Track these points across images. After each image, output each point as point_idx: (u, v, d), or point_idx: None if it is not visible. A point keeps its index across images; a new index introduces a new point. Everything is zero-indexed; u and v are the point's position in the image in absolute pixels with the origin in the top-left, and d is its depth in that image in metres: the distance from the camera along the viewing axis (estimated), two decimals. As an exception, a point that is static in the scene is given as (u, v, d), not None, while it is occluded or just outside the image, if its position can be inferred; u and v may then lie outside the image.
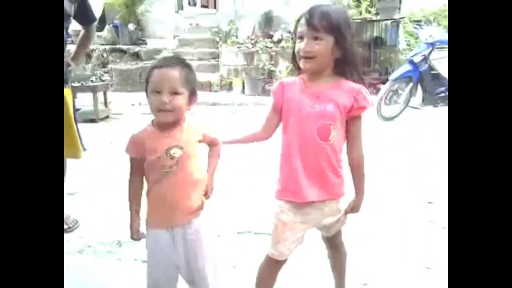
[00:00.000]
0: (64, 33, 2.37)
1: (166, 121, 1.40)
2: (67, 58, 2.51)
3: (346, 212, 1.54)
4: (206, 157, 1.54)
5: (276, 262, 1.51)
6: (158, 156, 1.40)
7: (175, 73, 1.39)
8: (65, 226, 2.50)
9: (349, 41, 1.39)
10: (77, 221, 2.59)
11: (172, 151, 1.40)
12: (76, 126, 2.54)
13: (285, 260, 1.52)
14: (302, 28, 1.39)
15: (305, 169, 1.44)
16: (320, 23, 1.35)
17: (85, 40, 2.69)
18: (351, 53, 1.41)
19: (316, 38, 1.36)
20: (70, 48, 2.71)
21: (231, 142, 1.63)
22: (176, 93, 1.38)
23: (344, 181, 1.51)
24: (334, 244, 1.64)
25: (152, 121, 1.45)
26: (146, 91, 1.43)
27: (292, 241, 1.48)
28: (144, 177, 1.48)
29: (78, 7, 2.42)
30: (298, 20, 1.42)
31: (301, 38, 1.39)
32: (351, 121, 1.46)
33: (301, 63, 1.42)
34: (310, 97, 1.42)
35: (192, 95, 1.44)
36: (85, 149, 2.61)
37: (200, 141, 1.48)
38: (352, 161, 1.50)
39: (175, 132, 1.42)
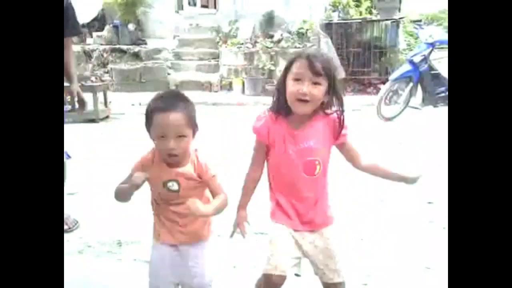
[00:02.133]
0: None
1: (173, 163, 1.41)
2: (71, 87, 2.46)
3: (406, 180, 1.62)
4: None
5: (270, 279, 1.46)
6: (157, 185, 1.44)
7: (179, 116, 1.35)
8: (65, 227, 2.50)
9: (337, 85, 1.45)
10: (77, 221, 2.59)
11: (169, 184, 1.43)
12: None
13: (282, 280, 1.47)
14: (302, 70, 1.39)
15: (293, 203, 1.49)
16: (322, 69, 1.39)
17: (70, 55, 2.53)
18: (339, 94, 1.46)
19: (315, 83, 1.39)
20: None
21: (243, 205, 1.58)
22: (182, 136, 1.36)
23: (330, 210, 1.55)
24: (328, 284, 1.57)
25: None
26: (148, 130, 1.41)
27: (285, 254, 1.47)
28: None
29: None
30: (293, 61, 1.43)
31: (298, 80, 1.40)
32: (340, 146, 1.52)
33: (296, 105, 1.42)
34: (293, 137, 1.46)
35: (195, 130, 1.43)
36: (69, 157, 2.57)
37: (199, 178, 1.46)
38: (367, 168, 1.57)
39: (176, 166, 1.43)
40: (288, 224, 1.50)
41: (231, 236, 1.57)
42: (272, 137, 1.49)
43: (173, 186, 1.43)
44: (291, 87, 1.41)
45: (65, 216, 2.52)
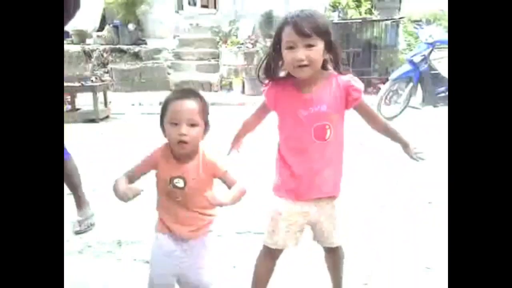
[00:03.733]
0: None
1: (184, 153, 1.43)
2: None
3: (412, 156, 1.65)
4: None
5: (270, 251, 1.52)
6: (164, 180, 1.46)
7: (193, 104, 1.40)
8: (77, 228, 2.52)
9: (334, 41, 1.41)
10: (92, 224, 2.59)
11: (175, 181, 1.44)
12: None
13: (280, 251, 1.53)
14: (291, 37, 1.35)
15: (303, 169, 1.47)
16: (311, 29, 1.33)
17: None
18: (337, 51, 1.43)
19: (308, 45, 1.35)
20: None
21: (238, 140, 1.69)
22: (193, 124, 1.39)
23: (340, 180, 1.55)
24: (329, 248, 1.64)
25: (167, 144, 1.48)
26: (162, 121, 1.44)
27: (286, 231, 1.50)
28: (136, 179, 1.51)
29: None
30: (281, 29, 1.39)
31: (291, 47, 1.36)
32: (355, 108, 1.50)
33: (296, 72, 1.40)
34: (303, 101, 1.44)
35: (206, 126, 1.46)
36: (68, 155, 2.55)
37: (213, 176, 1.49)
38: (380, 129, 1.60)
39: (184, 163, 1.45)
40: (293, 196, 1.49)
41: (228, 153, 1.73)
42: (280, 102, 1.48)
43: (179, 183, 1.44)
44: (287, 56, 1.38)
45: (85, 216, 2.55)
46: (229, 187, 1.47)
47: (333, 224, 1.54)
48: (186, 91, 1.47)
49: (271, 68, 1.47)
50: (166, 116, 1.42)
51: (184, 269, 1.51)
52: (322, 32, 1.36)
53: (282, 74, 1.50)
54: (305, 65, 1.36)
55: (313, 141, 1.44)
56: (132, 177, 1.50)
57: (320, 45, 1.36)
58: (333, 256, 1.66)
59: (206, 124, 1.46)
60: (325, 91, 1.44)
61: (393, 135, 1.62)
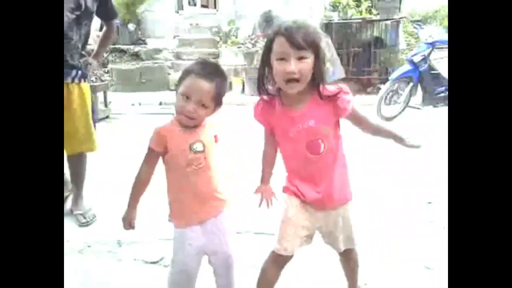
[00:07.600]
0: (87, 29, 2.55)
1: (187, 125, 1.46)
2: (88, 58, 2.68)
3: (408, 146, 1.63)
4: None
5: (279, 257, 1.51)
6: (183, 150, 1.45)
7: (209, 87, 1.41)
8: (83, 220, 2.60)
9: (323, 55, 1.38)
10: (95, 216, 2.67)
11: (194, 146, 1.45)
12: (93, 120, 2.71)
13: (289, 258, 1.52)
14: (284, 48, 1.31)
15: (305, 180, 1.48)
16: (304, 41, 1.30)
17: (107, 36, 2.85)
18: (323, 65, 1.39)
19: (300, 58, 1.31)
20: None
21: (265, 179, 1.62)
22: (204, 105, 1.42)
23: (349, 184, 1.54)
24: (343, 253, 1.63)
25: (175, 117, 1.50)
26: (178, 86, 1.46)
27: (294, 237, 1.49)
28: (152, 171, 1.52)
29: (99, 4, 2.55)
30: (273, 40, 1.35)
31: (283, 59, 1.32)
32: (345, 117, 1.47)
33: (286, 86, 1.35)
34: (291, 119, 1.42)
35: (217, 106, 1.48)
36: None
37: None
38: (371, 131, 1.60)
39: (195, 129, 1.48)
40: (305, 198, 1.49)
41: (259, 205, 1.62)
42: (271, 121, 1.48)
43: (198, 147, 1.46)
44: (278, 67, 1.33)
45: (84, 210, 2.66)
46: None
47: (340, 229, 1.53)
48: (208, 69, 1.45)
49: (262, 81, 1.44)
50: (181, 87, 1.43)
51: (208, 251, 1.55)
52: (313, 45, 1.33)
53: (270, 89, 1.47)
54: (296, 80, 1.33)
55: (308, 156, 1.43)
56: (150, 171, 1.50)
57: (311, 57, 1.33)
58: (345, 259, 1.66)
59: (218, 104, 1.48)
60: (313, 105, 1.41)
61: (386, 134, 1.62)
